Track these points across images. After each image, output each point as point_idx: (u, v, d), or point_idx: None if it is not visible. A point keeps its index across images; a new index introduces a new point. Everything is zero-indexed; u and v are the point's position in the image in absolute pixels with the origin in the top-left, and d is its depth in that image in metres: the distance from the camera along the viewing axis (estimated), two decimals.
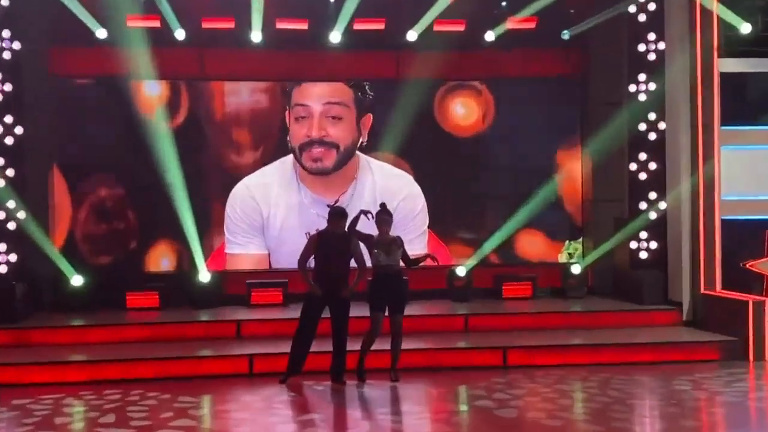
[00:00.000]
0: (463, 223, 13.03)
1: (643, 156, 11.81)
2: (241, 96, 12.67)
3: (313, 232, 10.95)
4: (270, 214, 12.52)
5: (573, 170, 13.05)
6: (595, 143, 12.51)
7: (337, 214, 8.93)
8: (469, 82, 12.96)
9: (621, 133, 12.14)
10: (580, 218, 13.06)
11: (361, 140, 12.64)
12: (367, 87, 12.62)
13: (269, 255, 12.50)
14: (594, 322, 11.12)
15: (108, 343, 10.25)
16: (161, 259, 12.52)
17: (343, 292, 8.80)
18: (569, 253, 13.04)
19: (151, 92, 12.32)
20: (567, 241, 13.11)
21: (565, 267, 12.60)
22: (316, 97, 12.53)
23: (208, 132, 12.66)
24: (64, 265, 11.63)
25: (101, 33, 11.35)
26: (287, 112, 12.56)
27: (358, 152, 12.67)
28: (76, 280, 11.57)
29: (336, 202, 12.12)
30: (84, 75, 12.37)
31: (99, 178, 12.45)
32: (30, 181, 11.43)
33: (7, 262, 10.95)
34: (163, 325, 10.75)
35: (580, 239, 13.06)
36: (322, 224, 10.11)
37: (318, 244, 8.92)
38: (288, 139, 12.56)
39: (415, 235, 12.58)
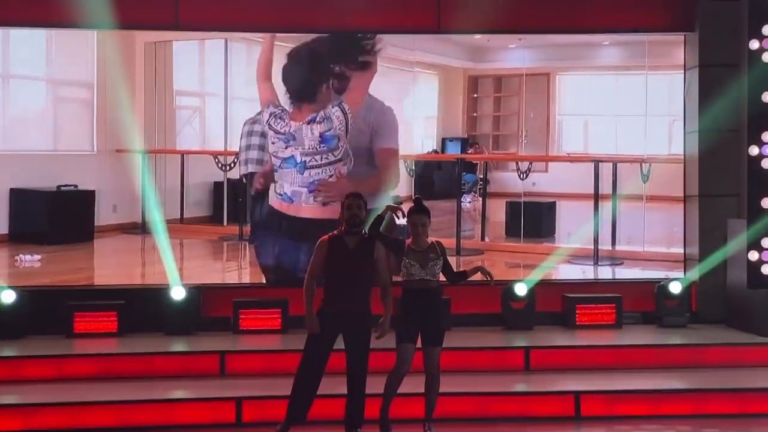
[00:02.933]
0: (521, 226, 13.09)
1: (767, 136, 11.81)
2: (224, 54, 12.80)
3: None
4: None
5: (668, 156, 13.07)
6: (702, 119, 12.50)
7: (354, 203, 8.85)
8: (529, 38, 13.01)
9: (737, 106, 12.14)
10: (676, 220, 13.06)
11: None
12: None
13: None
14: (699, 359, 11.12)
15: (49, 381, 10.33)
16: (121, 269, 12.65)
17: (362, 326, 8.76)
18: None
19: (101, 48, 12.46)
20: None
21: (661, 285, 12.59)
22: None
23: (178, 102, 12.79)
24: None
25: None
26: None
27: None
28: (7, 296, 11.68)
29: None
30: (14, 22, 12.53)
31: (33, 162, 12.60)
32: None
33: None
34: (122, 356, 10.84)
35: (681, 248, 13.07)
36: None
37: (329, 253, 8.89)
38: None
39: None
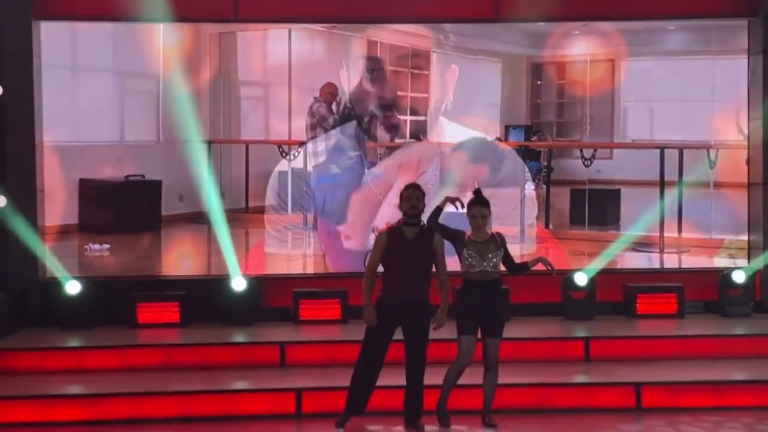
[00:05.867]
0: (585, 213, 13.00)
1: None
2: (288, 44, 12.82)
3: (382, 226, 10.98)
4: (326, 203, 12.64)
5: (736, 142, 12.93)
6: (766, 106, 12.34)
7: (413, 194, 8.79)
8: (594, 24, 12.92)
9: None
10: (745, 207, 12.92)
11: (445, 102, 12.71)
12: (449, 30, 12.67)
13: (324, 256, 12.61)
14: (763, 350, 10.97)
15: (113, 371, 10.44)
16: (183, 260, 12.73)
17: (421, 317, 8.72)
18: (730, 255, 12.91)
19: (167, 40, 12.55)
20: (726, 239, 12.98)
21: (724, 274, 12.44)
22: (385, 46, 12.61)
23: (242, 93, 12.83)
24: (56, 267, 11.86)
25: None
26: (342, 69, 12.69)
27: (442, 118, 12.72)
28: (72, 287, 11.78)
29: None
30: (80, 16, 12.65)
31: (101, 153, 12.70)
32: (11, 157, 11.75)
33: None
34: (184, 347, 10.93)
35: (745, 236, 12.91)
36: (395, 214, 10.13)
37: (388, 244, 8.82)
38: (348, 104, 12.67)
39: (519, 230, 12.60)
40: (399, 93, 12.62)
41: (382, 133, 12.66)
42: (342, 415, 8.98)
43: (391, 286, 8.76)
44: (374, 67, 12.99)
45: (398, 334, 8.85)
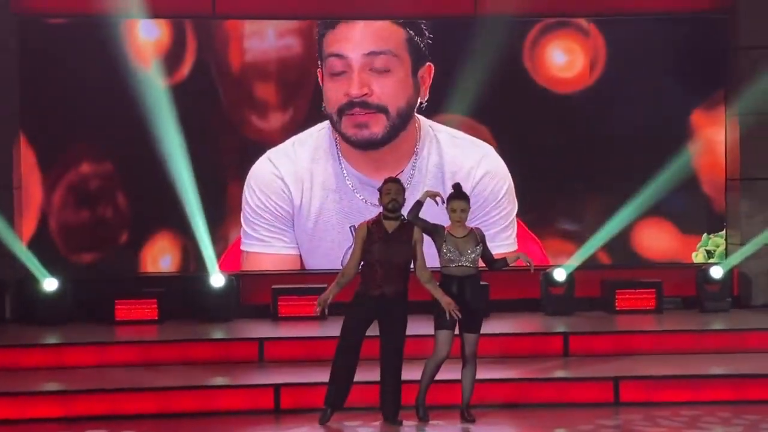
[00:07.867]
0: (564, 210, 13.03)
1: None
2: (264, 40, 12.79)
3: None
4: (303, 201, 12.62)
5: (714, 138, 12.98)
6: (746, 102, 12.38)
7: (393, 188, 8.76)
8: (572, 20, 12.97)
9: None
10: (722, 203, 12.97)
11: (420, 100, 12.69)
12: (423, 26, 12.62)
13: (300, 255, 12.60)
14: (740, 345, 11.00)
15: (90, 368, 10.42)
16: (161, 258, 12.72)
17: (399, 311, 8.75)
18: (707, 251, 12.96)
19: (146, 36, 12.50)
20: (704, 235, 13.03)
21: (702, 269, 12.51)
22: (355, 43, 12.56)
23: (220, 89, 12.82)
24: (33, 264, 11.84)
25: None
26: (319, 69, 12.67)
27: (417, 116, 12.72)
28: (50, 285, 11.77)
29: None
30: (58, 13, 12.61)
31: (79, 149, 12.68)
32: None
33: None
34: (162, 344, 10.92)
35: (723, 232, 12.97)
36: (372, 213, 10.13)
37: (367, 237, 8.77)
38: (323, 104, 12.67)
39: (498, 228, 12.60)
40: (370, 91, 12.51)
41: (352, 132, 12.59)
42: (324, 411, 8.92)
43: (369, 279, 8.75)
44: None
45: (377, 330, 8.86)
